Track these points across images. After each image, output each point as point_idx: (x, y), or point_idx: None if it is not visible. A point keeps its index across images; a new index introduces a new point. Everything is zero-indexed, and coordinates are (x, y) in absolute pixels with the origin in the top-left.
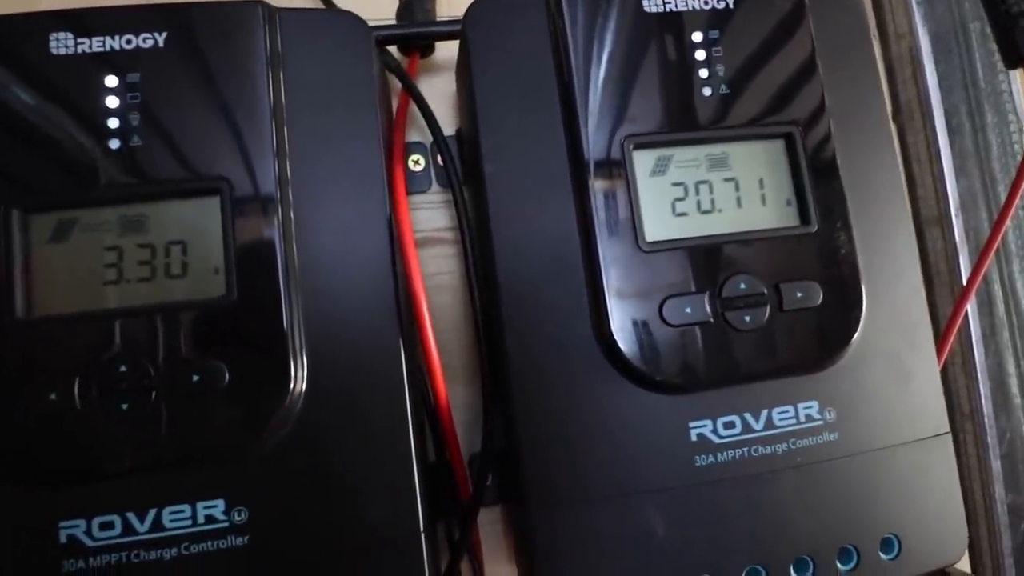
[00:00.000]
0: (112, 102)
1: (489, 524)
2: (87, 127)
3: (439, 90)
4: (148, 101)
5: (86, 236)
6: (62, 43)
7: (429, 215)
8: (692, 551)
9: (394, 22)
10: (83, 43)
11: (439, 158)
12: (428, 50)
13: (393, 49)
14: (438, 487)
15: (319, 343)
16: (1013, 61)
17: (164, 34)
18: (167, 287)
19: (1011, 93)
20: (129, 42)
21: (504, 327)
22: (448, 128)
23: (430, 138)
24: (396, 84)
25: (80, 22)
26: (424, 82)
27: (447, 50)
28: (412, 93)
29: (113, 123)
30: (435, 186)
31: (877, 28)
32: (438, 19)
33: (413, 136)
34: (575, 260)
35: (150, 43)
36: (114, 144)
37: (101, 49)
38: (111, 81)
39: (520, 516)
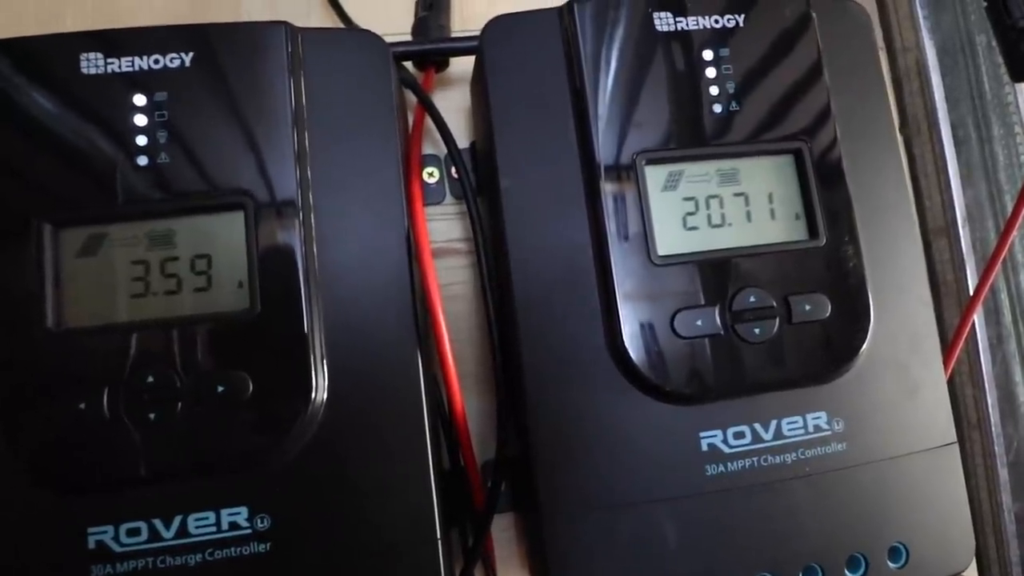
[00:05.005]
0: (140, 120)
1: (502, 531)
2: (116, 144)
3: (453, 104)
4: (175, 119)
5: (115, 250)
6: (92, 63)
7: (442, 226)
8: (702, 559)
9: (408, 37)
10: (112, 63)
11: (453, 170)
12: (443, 65)
13: (408, 64)
14: (452, 494)
15: (339, 354)
16: (1019, 74)
17: (191, 54)
18: (193, 300)
19: (1017, 105)
20: (157, 62)
21: (519, 337)
22: (462, 141)
23: (443, 151)
24: (411, 98)
25: (110, 42)
26: (438, 96)
27: (461, 65)
28: (428, 107)
29: (141, 141)
30: (448, 198)
31: (884, 42)
32: (452, 35)
33: (427, 149)
34: (588, 273)
35: (177, 63)
36: (142, 161)
37: (130, 69)
38: (139, 100)
39: (533, 524)
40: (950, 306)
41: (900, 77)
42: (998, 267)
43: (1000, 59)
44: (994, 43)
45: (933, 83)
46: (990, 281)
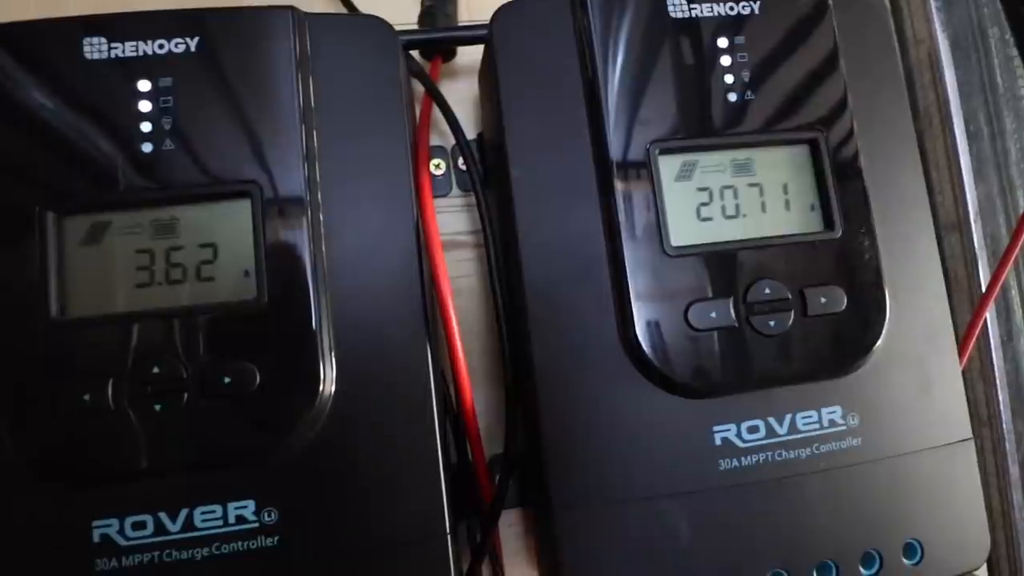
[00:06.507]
0: (144, 106)
1: (509, 526)
2: (120, 131)
3: (460, 94)
4: (180, 105)
5: (119, 239)
6: (96, 48)
7: (449, 219)
8: (715, 554)
9: (414, 26)
10: (116, 48)
11: (460, 162)
12: (450, 54)
13: (415, 54)
14: (460, 489)
15: (348, 345)
16: None
17: (196, 39)
18: (198, 289)
19: None
20: (162, 47)
21: (530, 330)
22: (469, 133)
23: (450, 142)
24: (418, 88)
25: (113, 27)
26: (444, 87)
27: (468, 55)
28: (435, 97)
29: (145, 127)
30: (455, 190)
31: (896, 33)
32: (459, 23)
33: (433, 140)
34: (601, 264)
35: (182, 48)
36: (146, 148)
37: (134, 54)
38: (144, 85)
39: (543, 518)
40: (961, 302)
41: (912, 69)
42: (1011, 264)
43: (1013, 51)
44: (1007, 36)
45: (945, 76)
46: (1003, 277)
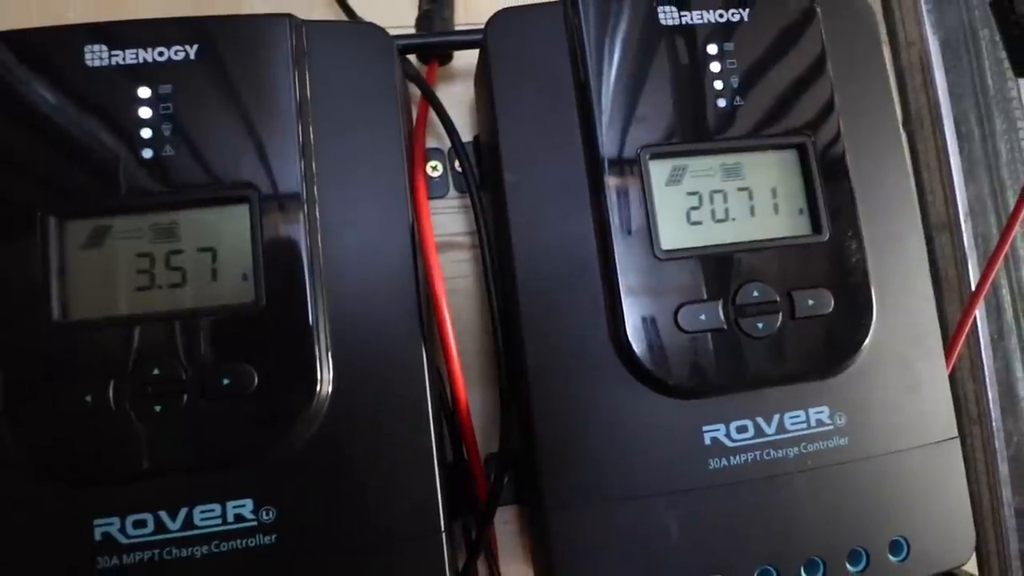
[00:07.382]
0: (145, 113)
1: (504, 523)
2: (121, 137)
3: (456, 97)
4: (180, 112)
5: (120, 242)
6: (97, 55)
7: (446, 220)
8: (704, 552)
9: (412, 30)
10: (117, 55)
11: (456, 164)
12: (446, 58)
13: (412, 57)
14: (455, 487)
15: (344, 346)
16: (1022, 68)
17: (195, 47)
18: (197, 292)
19: (1020, 100)
20: (162, 54)
21: (523, 331)
22: (465, 135)
23: (447, 145)
24: (414, 92)
25: (114, 35)
26: (441, 90)
27: (464, 58)
28: (432, 101)
29: (146, 133)
30: (452, 192)
31: (887, 36)
32: (456, 28)
33: (430, 143)
34: (592, 267)
35: (182, 55)
36: (147, 153)
37: (135, 61)
38: (144, 92)
39: (536, 517)
40: (952, 301)
41: (903, 71)
42: (1000, 263)
43: (1003, 54)
44: (997, 37)
45: (936, 78)
46: (992, 277)
